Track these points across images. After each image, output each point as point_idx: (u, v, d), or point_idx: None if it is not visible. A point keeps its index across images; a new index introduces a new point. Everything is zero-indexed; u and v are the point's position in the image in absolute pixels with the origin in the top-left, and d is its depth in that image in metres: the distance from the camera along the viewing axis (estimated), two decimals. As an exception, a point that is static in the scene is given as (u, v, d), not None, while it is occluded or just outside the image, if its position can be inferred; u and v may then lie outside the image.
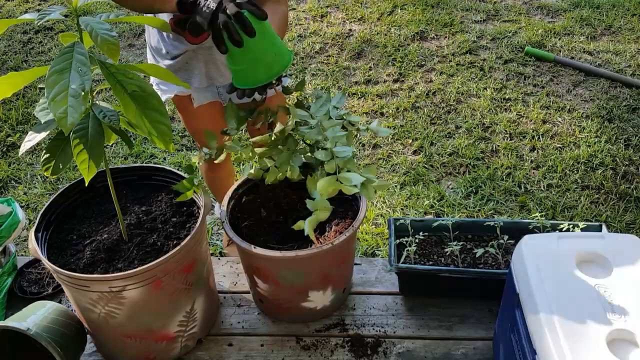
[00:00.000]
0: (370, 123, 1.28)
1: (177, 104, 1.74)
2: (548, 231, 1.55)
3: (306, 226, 1.15)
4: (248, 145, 1.28)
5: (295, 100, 1.31)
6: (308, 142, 1.29)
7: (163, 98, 1.70)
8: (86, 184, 1.13)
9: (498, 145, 2.84)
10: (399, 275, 1.55)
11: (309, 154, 1.31)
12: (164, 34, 1.56)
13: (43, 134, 1.15)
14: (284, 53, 1.20)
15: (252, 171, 1.31)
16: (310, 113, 1.23)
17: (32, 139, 1.16)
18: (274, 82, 1.23)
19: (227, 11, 1.12)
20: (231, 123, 1.33)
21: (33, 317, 1.31)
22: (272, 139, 1.30)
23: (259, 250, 1.33)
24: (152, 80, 1.71)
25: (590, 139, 2.85)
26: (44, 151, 1.17)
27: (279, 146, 1.30)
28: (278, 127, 1.31)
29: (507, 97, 3.19)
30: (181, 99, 1.70)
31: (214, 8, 1.14)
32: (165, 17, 1.52)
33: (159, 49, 1.60)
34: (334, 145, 1.16)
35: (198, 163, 1.38)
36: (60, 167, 1.16)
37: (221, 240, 2.40)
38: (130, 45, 3.94)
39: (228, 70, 1.63)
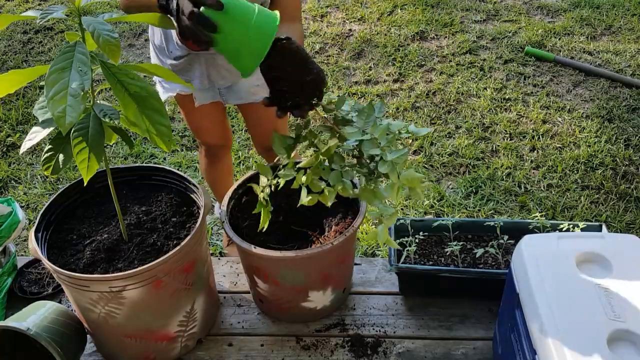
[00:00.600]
0: (408, 126, 1.26)
1: (179, 102, 1.76)
2: (548, 231, 1.55)
3: (380, 237, 1.15)
4: (301, 170, 1.25)
5: (333, 117, 1.27)
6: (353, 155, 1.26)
7: (165, 96, 1.72)
8: (85, 184, 1.13)
9: (498, 145, 2.84)
10: (399, 275, 1.55)
11: (358, 167, 1.28)
12: (168, 34, 1.57)
13: (45, 132, 1.15)
14: (268, 20, 1.07)
15: (306, 199, 1.25)
16: (359, 128, 1.20)
17: (32, 138, 1.16)
18: (314, 102, 1.18)
19: (185, 13, 1.05)
20: (280, 151, 1.28)
21: (33, 317, 1.31)
22: (318, 159, 1.25)
23: (259, 250, 1.33)
24: (156, 77, 1.71)
25: (590, 139, 2.85)
26: (45, 150, 1.17)
27: (330, 165, 1.24)
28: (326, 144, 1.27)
29: (507, 97, 3.19)
30: (183, 97, 1.71)
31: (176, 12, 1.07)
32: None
33: (163, 47, 1.61)
34: (390, 153, 1.15)
35: (261, 193, 1.34)
36: (61, 166, 1.16)
37: (221, 240, 2.40)
38: (130, 45, 3.93)
39: (229, 73, 1.64)
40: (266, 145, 1.91)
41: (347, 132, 1.20)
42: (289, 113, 1.19)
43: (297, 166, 1.25)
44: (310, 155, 1.25)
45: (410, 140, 2.87)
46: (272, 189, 1.30)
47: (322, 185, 1.22)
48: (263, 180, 1.33)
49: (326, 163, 1.24)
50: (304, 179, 1.22)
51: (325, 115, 1.25)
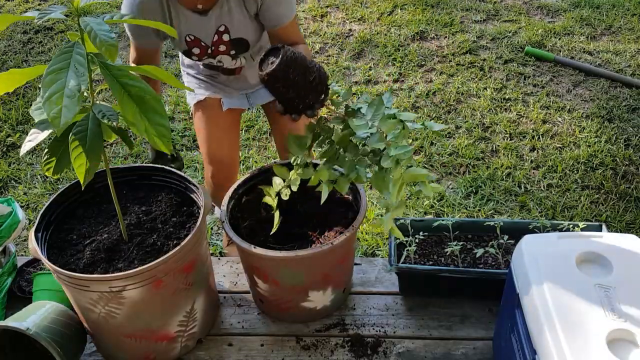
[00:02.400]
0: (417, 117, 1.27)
1: (201, 109, 1.84)
2: (548, 231, 1.55)
3: (385, 225, 1.17)
4: (322, 167, 1.27)
5: (344, 109, 1.29)
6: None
7: (194, 100, 1.84)
8: (82, 187, 1.13)
9: (498, 145, 2.84)
10: (399, 275, 1.55)
11: (371, 155, 1.28)
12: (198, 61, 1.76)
13: (45, 133, 1.15)
14: None
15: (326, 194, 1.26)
16: (367, 121, 1.22)
17: (33, 139, 1.16)
18: (322, 98, 1.24)
19: None
20: (296, 151, 1.30)
21: (33, 317, 1.31)
22: (334, 148, 1.28)
23: (259, 250, 1.33)
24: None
25: (590, 139, 2.85)
26: (46, 151, 1.17)
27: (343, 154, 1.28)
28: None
29: (507, 97, 3.19)
30: (210, 102, 1.82)
31: None
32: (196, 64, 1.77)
33: (192, 65, 1.81)
34: (395, 148, 1.16)
35: (276, 195, 1.35)
36: (62, 166, 1.16)
37: (221, 240, 2.40)
38: (129, 45, 3.93)
39: (257, 82, 1.82)
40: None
41: (355, 125, 1.22)
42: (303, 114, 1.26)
43: (314, 162, 1.27)
44: (325, 149, 1.28)
45: (411, 141, 2.87)
46: (289, 190, 1.31)
47: (337, 175, 1.25)
48: (277, 181, 1.33)
49: (342, 152, 1.27)
50: (323, 174, 1.25)
51: (336, 109, 1.27)
